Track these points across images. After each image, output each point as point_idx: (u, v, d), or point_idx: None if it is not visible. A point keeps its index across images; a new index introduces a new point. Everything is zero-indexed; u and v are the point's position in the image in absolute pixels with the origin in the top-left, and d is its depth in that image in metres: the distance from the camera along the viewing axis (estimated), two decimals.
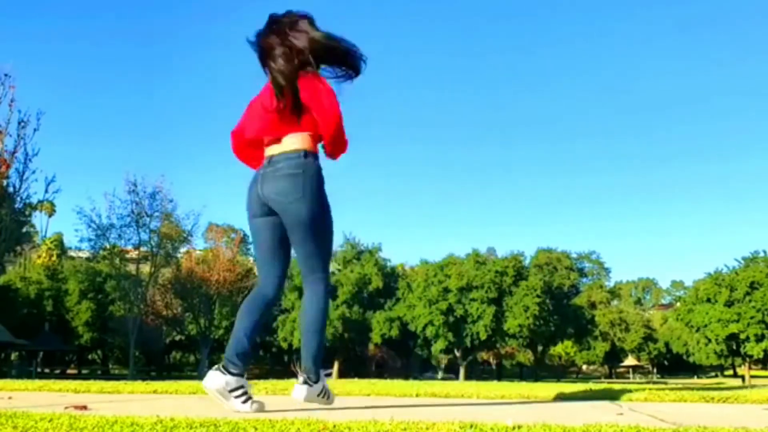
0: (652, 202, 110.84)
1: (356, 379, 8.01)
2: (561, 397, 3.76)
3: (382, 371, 47.27)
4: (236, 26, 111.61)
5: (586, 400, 3.66)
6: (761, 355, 39.83)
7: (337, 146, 2.81)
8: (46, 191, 28.31)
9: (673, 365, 63.83)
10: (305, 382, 2.73)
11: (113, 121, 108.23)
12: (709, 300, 41.48)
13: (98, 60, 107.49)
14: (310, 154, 2.74)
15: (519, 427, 1.87)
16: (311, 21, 2.77)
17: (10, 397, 3.81)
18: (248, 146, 2.90)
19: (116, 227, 36.51)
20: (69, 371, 49.29)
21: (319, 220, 2.75)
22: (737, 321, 39.24)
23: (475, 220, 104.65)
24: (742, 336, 39.31)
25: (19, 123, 26.73)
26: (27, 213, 30.20)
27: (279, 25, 2.77)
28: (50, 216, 65.57)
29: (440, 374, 48.02)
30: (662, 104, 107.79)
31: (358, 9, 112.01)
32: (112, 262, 37.69)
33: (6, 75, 26.48)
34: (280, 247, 2.84)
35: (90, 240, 37.16)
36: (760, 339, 38.84)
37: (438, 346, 42.18)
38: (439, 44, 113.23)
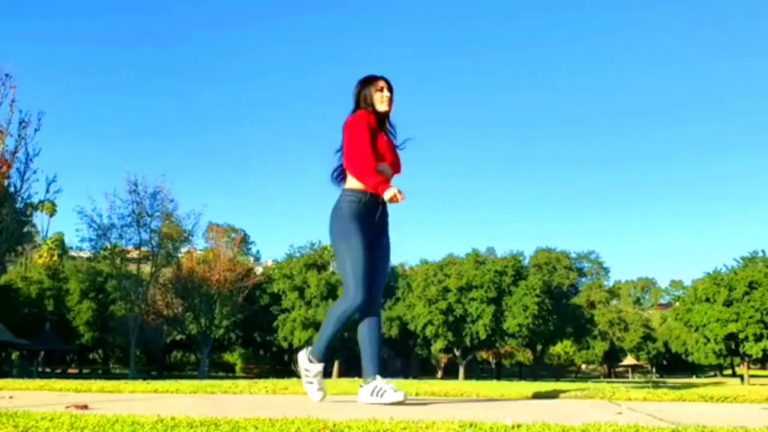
0: (652, 202, 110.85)
1: (356, 379, 8.00)
2: (560, 397, 3.77)
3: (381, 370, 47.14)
4: (236, 26, 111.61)
5: (586, 399, 3.67)
6: (760, 355, 39.80)
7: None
8: (47, 191, 28.30)
9: (671, 365, 63.79)
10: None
11: (114, 121, 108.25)
12: (708, 300, 41.46)
13: (98, 60, 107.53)
14: None
15: (518, 426, 1.88)
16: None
17: (11, 397, 3.82)
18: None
19: (117, 227, 36.46)
20: (70, 371, 49.29)
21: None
22: (736, 321, 39.21)
23: (475, 220, 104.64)
24: (741, 336, 39.29)
25: (20, 123, 26.70)
26: (28, 213, 30.10)
27: None
28: (51, 216, 65.45)
29: (439, 374, 47.99)
30: (662, 104, 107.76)
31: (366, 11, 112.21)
32: (113, 261, 37.62)
33: (7, 75, 26.43)
34: None
35: (91, 240, 37.11)
36: (758, 338, 38.82)
37: (437, 345, 42.16)
38: (437, 45, 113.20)
